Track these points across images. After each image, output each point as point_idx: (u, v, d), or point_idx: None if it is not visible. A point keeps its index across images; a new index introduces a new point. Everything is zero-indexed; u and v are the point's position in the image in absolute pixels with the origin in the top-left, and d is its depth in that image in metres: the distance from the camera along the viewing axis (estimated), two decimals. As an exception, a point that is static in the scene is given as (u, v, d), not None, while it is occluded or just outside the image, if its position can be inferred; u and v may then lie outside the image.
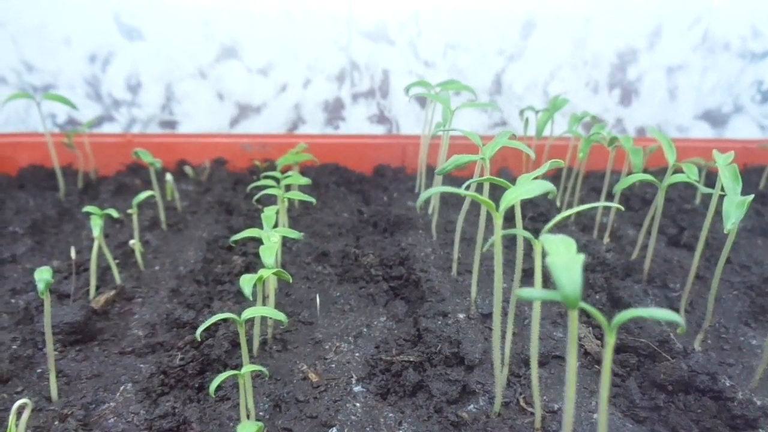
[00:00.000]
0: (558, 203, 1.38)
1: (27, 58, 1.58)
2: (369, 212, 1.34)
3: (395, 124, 1.77)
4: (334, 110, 1.75)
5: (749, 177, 1.65)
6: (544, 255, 0.60)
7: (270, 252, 0.83)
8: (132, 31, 1.59)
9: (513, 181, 0.75)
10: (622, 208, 0.71)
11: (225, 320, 0.91)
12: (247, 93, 1.70)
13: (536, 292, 0.54)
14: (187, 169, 1.54)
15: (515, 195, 0.66)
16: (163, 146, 1.57)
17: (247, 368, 0.69)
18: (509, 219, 1.27)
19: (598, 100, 1.80)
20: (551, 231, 0.60)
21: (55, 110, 1.65)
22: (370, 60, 1.69)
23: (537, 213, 1.30)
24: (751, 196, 0.79)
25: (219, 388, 0.81)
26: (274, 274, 0.82)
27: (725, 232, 0.76)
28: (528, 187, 0.66)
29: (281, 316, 0.75)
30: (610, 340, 0.54)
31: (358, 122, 1.77)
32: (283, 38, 1.64)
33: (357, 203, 1.42)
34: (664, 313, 0.53)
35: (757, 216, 1.37)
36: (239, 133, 1.72)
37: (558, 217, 0.65)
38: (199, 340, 0.78)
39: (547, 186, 0.66)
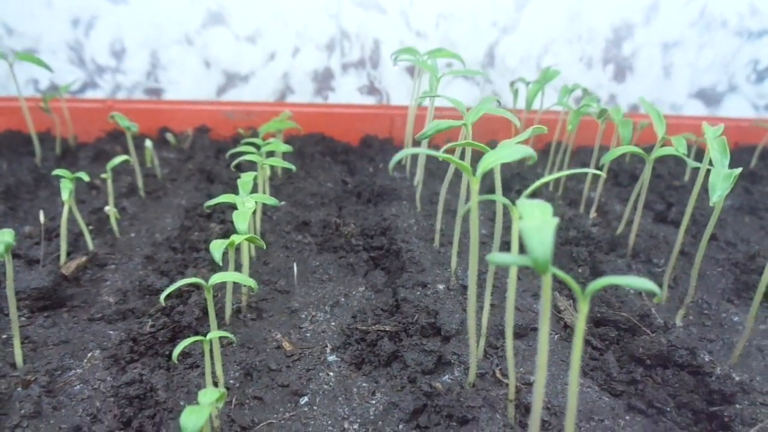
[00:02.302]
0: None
1: (7, 21, 1.53)
2: (353, 182, 1.31)
3: (386, 95, 1.74)
4: (324, 80, 1.71)
5: (741, 155, 1.63)
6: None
7: (243, 217, 0.80)
8: (116, -7, 1.54)
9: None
10: (604, 175, 0.69)
11: (198, 287, 0.89)
12: (235, 61, 1.65)
13: (508, 256, 0.52)
14: (169, 137, 1.50)
15: (493, 159, 0.63)
16: (146, 113, 1.53)
17: (213, 334, 0.67)
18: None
19: (592, 75, 1.76)
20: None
21: (37, 75, 1.60)
22: (361, 29, 1.65)
23: (524, 186, 1.28)
24: (739, 170, 0.77)
25: (188, 355, 0.79)
26: (246, 239, 0.79)
27: (711, 204, 0.74)
28: (507, 151, 0.63)
29: (251, 282, 0.73)
30: (584, 308, 0.52)
31: (347, 93, 1.73)
32: (271, 4, 1.60)
33: (342, 173, 1.39)
34: (640, 282, 0.51)
35: (746, 194, 1.35)
36: (224, 100, 1.68)
37: (537, 183, 0.63)
38: (163, 305, 0.76)
39: (527, 151, 0.63)
